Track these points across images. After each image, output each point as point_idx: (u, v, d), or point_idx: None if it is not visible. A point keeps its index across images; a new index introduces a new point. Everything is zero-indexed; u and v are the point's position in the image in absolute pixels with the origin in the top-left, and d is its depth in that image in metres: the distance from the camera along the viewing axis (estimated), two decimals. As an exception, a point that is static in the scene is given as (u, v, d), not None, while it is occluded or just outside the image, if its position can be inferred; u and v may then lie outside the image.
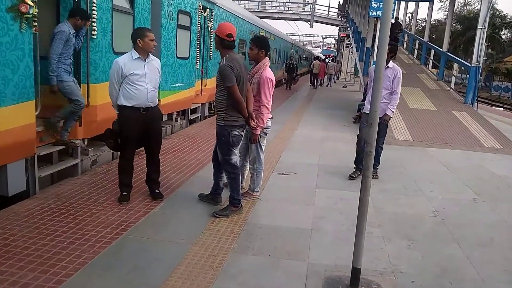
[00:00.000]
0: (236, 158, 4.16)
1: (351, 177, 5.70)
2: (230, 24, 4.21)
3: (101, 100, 5.46)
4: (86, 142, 5.60)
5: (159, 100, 4.75)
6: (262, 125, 4.41)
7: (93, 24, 5.19)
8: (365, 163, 2.75)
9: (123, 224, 3.80)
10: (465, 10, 44.82)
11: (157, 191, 4.51)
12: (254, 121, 4.19)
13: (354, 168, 5.86)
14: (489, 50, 37.60)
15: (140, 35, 4.21)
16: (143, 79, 4.17)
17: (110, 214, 4.01)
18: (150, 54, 4.31)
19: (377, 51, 2.63)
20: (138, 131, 4.25)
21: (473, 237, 4.05)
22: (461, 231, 4.17)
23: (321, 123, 10.61)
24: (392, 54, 5.40)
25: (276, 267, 3.24)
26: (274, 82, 4.50)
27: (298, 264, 3.31)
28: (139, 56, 4.20)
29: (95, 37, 5.25)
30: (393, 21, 20.28)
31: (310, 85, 24.39)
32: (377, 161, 5.81)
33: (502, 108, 25.99)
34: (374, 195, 5.13)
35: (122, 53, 4.60)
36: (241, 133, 4.13)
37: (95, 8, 5.19)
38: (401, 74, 5.54)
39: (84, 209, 4.08)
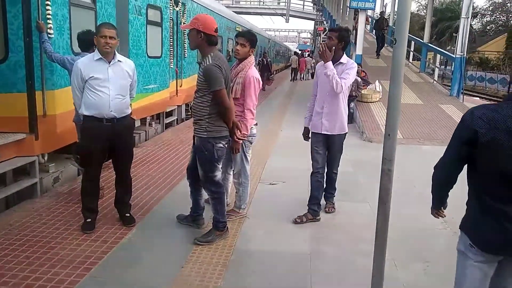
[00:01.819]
0: (220, 174, 3.56)
1: (297, 221, 4.04)
2: (210, 16, 3.58)
3: (60, 108, 4.77)
4: (46, 158, 4.89)
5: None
6: (246, 133, 3.84)
7: (47, 21, 4.48)
8: (382, 185, 2.20)
9: (86, 261, 3.14)
10: (436, 1, 45.24)
11: (128, 214, 3.86)
12: (241, 131, 3.60)
13: (308, 208, 4.16)
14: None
15: (96, 31, 3.58)
16: (104, 84, 3.51)
17: (71, 248, 3.35)
18: (119, 55, 3.65)
19: (394, 43, 2.07)
20: (101, 146, 3.59)
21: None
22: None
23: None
24: (344, 44, 3.94)
25: (274, 311, 2.67)
26: (260, 82, 3.94)
27: (300, 304, 2.75)
28: (100, 57, 3.55)
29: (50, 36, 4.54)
30: (377, 16, 20.00)
31: (290, 80, 24.45)
32: (332, 188, 4.37)
33: (478, 98, 26.17)
34: (374, 204, 4.62)
35: (84, 54, 3.93)
36: (225, 145, 3.53)
37: (48, 3, 4.47)
38: (354, 68, 3.97)
39: (40, 243, 3.40)
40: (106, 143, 3.59)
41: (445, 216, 2.37)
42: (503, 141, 1.70)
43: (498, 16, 49.89)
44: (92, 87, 3.52)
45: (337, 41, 3.91)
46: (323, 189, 4.22)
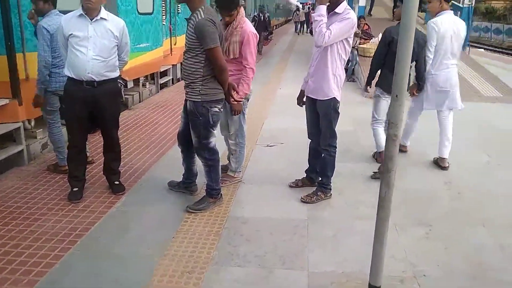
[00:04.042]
0: (215, 140, 3.33)
1: (291, 186, 3.87)
2: None
3: (43, 71, 4.48)
4: (33, 123, 4.67)
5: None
6: (248, 92, 3.65)
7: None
8: (388, 152, 1.98)
9: (72, 233, 3.00)
10: None
11: (117, 182, 3.69)
12: (238, 93, 3.34)
13: (305, 175, 3.92)
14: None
15: None
16: (83, 43, 3.22)
17: (56, 219, 3.19)
18: (105, 12, 3.33)
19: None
20: (81, 110, 3.35)
21: (499, 216, 3.40)
22: (483, 208, 3.53)
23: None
24: None
25: (269, 282, 2.54)
26: (258, 37, 3.66)
27: (296, 274, 2.60)
28: (82, 13, 3.24)
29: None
30: None
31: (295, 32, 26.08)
32: (321, 172, 3.67)
33: (483, 50, 25.41)
34: (374, 165, 4.44)
35: (68, 11, 3.61)
36: (221, 109, 3.27)
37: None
38: (347, 19, 3.25)
39: (24, 215, 3.25)
40: (87, 107, 3.35)
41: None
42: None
43: (507, -37, 47.66)
44: (72, 45, 3.25)
45: None
46: (319, 158, 3.75)
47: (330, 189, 3.62)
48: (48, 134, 4.10)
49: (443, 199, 3.71)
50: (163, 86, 8.72)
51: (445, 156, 4.36)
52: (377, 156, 4.48)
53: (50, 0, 3.76)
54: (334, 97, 3.42)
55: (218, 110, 3.21)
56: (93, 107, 3.37)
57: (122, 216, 3.30)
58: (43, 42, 3.59)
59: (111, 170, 3.69)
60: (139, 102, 7.33)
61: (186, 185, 3.65)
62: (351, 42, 3.40)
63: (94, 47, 3.25)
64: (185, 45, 3.10)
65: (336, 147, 3.58)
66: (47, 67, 3.64)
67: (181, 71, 3.23)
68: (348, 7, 3.36)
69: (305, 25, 26.39)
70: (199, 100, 3.11)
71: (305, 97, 3.71)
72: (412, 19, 1.79)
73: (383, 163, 4.30)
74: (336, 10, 3.29)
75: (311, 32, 22.97)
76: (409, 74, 2.03)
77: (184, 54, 3.14)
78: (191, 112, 3.18)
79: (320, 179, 3.66)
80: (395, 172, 1.98)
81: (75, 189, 3.54)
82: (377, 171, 4.18)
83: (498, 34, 32.30)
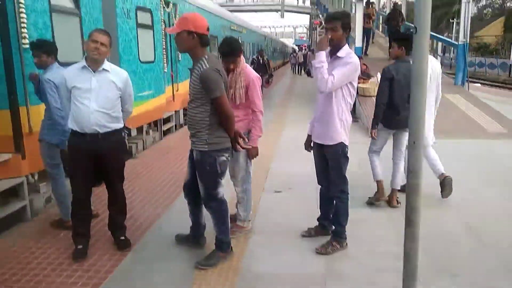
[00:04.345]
0: (223, 190, 3.23)
1: (304, 235, 3.71)
2: (199, 14, 3.24)
3: (47, 124, 4.44)
4: (36, 177, 4.57)
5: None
6: (261, 134, 3.69)
7: (22, 30, 4.14)
8: (410, 203, 1.87)
9: (77, 297, 2.84)
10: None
11: (123, 238, 3.54)
12: (244, 139, 3.29)
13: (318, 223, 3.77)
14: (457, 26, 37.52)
15: (88, 35, 3.29)
16: (86, 95, 3.19)
17: (61, 280, 3.02)
18: (108, 64, 3.32)
19: (415, 32, 1.74)
20: (85, 163, 3.28)
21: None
22: (506, 250, 3.37)
23: (308, 118, 9.67)
24: (348, 31, 3.27)
25: None
26: (260, 79, 3.75)
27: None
28: (85, 64, 3.23)
29: (28, 46, 4.21)
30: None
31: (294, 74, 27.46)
32: (335, 219, 3.50)
33: (479, 84, 25.75)
34: (389, 211, 4.30)
35: (69, 64, 3.62)
36: (229, 157, 3.21)
37: (23, 11, 4.14)
38: (349, 64, 3.17)
39: (28, 276, 3.08)
40: (90, 160, 3.27)
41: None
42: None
43: (494, 0, 49.40)
44: (75, 97, 3.23)
45: (342, 32, 3.20)
46: (331, 204, 3.60)
47: (345, 238, 3.47)
48: (52, 188, 4.00)
49: (465, 245, 3.54)
50: (166, 132, 8.70)
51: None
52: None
53: (53, 53, 3.78)
54: (342, 142, 3.35)
55: (225, 159, 3.14)
56: (97, 160, 3.29)
57: (128, 275, 3.13)
58: (53, 93, 3.56)
59: (116, 225, 3.56)
60: (143, 149, 7.27)
61: (194, 238, 3.50)
62: (355, 85, 3.34)
63: (97, 99, 3.21)
64: (190, 94, 3.07)
65: (348, 193, 3.47)
66: (64, 116, 3.52)
67: (186, 121, 3.18)
68: (351, 50, 3.32)
69: (302, 66, 27.48)
70: (206, 149, 3.04)
71: (312, 142, 3.63)
72: (423, 61, 1.73)
73: (379, 191, 4.33)
74: (338, 54, 3.22)
75: (307, 73, 23.38)
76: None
77: (189, 104, 3.10)
78: (198, 162, 3.10)
79: (333, 227, 3.51)
80: (419, 225, 1.86)
81: (80, 246, 3.39)
82: (372, 197, 4.43)
83: (492, 69, 32.89)
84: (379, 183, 4.44)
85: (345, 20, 3.24)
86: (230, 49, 3.50)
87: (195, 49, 2.99)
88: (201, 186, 3.15)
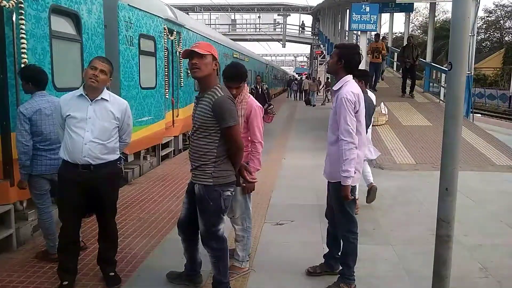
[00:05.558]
0: (223, 227, 2.99)
1: (310, 272, 3.45)
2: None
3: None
4: (25, 204, 4.33)
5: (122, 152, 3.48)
6: (259, 167, 3.46)
7: (22, 55, 4.01)
8: (439, 257, 1.65)
9: None
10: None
11: (112, 273, 3.27)
12: (251, 173, 3.09)
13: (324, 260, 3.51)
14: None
15: (89, 63, 3.14)
16: (80, 125, 3.00)
17: (41, 322, 2.76)
18: (108, 93, 3.16)
19: (449, 69, 1.57)
20: (76, 196, 3.06)
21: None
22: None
23: (309, 148, 9.49)
24: (343, 63, 3.13)
25: None
26: (263, 110, 3.54)
27: None
28: (82, 93, 3.06)
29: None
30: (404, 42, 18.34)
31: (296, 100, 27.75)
32: (351, 260, 3.21)
33: (480, 115, 25.77)
34: (398, 247, 4.05)
35: (69, 90, 3.46)
36: (233, 192, 2.99)
37: (24, 36, 4.02)
38: (342, 104, 3.00)
39: (5, 317, 2.82)
40: (82, 193, 3.06)
41: None
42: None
43: (492, 33, 50.21)
44: (69, 126, 3.04)
45: (336, 59, 3.14)
46: (337, 242, 3.41)
47: (354, 280, 3.20)
48: (38, 219, 3.76)
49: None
50: (164, 157, 8.50)
51: None
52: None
53: (32, 81, 3.59)
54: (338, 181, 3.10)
55: (230, 194, 2.93)
56: (89, 193, 3.08)
57: (117, 316, 2.86)
58: (20, 127, 3.41)
59: (106, 261, 3.30)
60: (140, 176, 7.05)
61: (189, 277, 3.23)
62: (362, 112, 3.13)
63: (92, 129, 3.02)
64: (195, 124, 2.88)
65: (356, 233, 3.22)
66: (26, 152, 3.41)
67: (189, 153, 2.96)
68: (347, 83, 3.11)
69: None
70: (211, 183, 2.82)
71: None
72: (460, 100, 1.56)
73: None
74: (334, 87, 3.18)
75: (306, 102, 23.40)
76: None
77: (192, 135, 2.90)
78: (201, 198, 2.87)
79: (341, 268, 3.25)
80: (449, 280, 1.64)
81: (65, 282, 3.13)
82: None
83: (492, 100, 33.05)
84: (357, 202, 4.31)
85: (342, 50, 3.18)
86: (236, 73, 3.34)
87: (211, 77, 2.84)
88: (201, 222, 2.92)
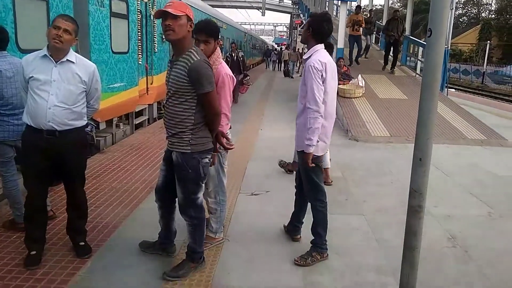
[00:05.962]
0: (202, 195, 2.93)
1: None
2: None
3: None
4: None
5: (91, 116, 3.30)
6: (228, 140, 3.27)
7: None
8: (409, 227, 1.64)
9: (24, 312, 2.49)
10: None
11: (82, 243, 3.19)
12: (228, 139, 3.02)
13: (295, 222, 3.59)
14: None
15: (52, 22, 2.92)
16: (44, 88, 2.83)
17: (7, 292, 2.68)
18: (74, 54, 2.96)
19: (429, 36, 1.51)
20: (41, 162, 2.92)
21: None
22: (495, 269, 3.22)
23: (286, 118, 9.42)
24: (311, 31, 3.09)
25: None
26: (234, 80, 3.32)
27: None
28: (46, 53, 2.87)
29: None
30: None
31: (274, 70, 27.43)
32: (322, 228, 3.22)
33: (454, 90, 26.27)
34: (370, 217, 4.12)
35: (34, 51, 3.24)
36: (211, 159, 2.93)
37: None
38: (309, 72, 2.98)
39: (-32, 287, 2.72)
40: (47, 159, 2.92)
41: None
42: None
43: (469, 9, 50.67)
44: (32, 89, 2.86)
45: (306, 28, 3.14)
46: (304, 207, 3.51)
47: (326, 249, 3.23)
48: (3, 188, 3.60)
49: (449, 259, 3.37)
50: (138, 126, 8.30)
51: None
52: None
53: None
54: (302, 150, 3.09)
55: (208, 161, 2.87)
56: (55, 160, 2.93)
57: (87, 285, 2.80)
58: None
59: (76, 230, 3.21)
60: (112, 144, 6.87)
61: (163, 246, 3.19)
62: (330, 82, 3.05)
63: (57, 92, 2.84)
64: (169, 89, 2.75)
65: (324, 202, 3.23)
66: None
67: (164, 119, 2.84)
68: (315, 51, 3.07)
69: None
70: (189, 151, 2.74)
71: None
72: (437, 68, 1.51)
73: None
74: (305, 56, 3.13)
75: (284, 73, 23.18)
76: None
77: (167, 100, 2.78)
78: (179, 165, 2.79)
79: (313, 238, 3.27)
80: (419, 250, 1.64)
81: (33, 252, 3.03)
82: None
83: (466, 75, 33.65)
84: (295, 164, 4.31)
85: (311, 18, 3.13)
86: (205, 24, 3.13)
87: (187, 39, 2.70)
88: (179, 190, 2.85)
